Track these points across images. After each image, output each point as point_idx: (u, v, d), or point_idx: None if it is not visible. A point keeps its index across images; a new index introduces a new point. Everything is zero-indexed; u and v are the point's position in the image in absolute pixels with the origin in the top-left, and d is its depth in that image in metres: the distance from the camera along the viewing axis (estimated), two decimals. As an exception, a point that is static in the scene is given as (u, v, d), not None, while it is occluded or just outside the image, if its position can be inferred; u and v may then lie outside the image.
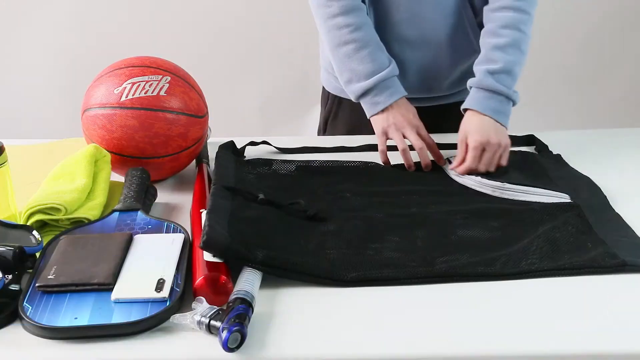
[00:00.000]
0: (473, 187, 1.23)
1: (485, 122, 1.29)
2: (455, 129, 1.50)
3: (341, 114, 1.59)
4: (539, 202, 1.16)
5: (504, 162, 1.27)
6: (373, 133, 1.36)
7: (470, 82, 1.34)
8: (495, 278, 0.95)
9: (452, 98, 1.54)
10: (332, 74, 1.54)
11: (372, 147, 1.38)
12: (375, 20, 1.41)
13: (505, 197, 1.19)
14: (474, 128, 1.28)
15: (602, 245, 1.02)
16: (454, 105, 1.54)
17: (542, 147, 1.39)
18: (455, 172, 1.27)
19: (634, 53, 2.80)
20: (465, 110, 1.33)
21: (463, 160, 1.27)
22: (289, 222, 1.08)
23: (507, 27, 1.32)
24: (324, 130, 1.65)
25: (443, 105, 1.55)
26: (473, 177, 1.24)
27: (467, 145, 1.27)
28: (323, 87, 1.65)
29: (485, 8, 1.38)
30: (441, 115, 1.53)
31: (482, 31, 1.37)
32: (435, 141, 1.35)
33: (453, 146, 1.40)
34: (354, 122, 1.50)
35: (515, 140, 1.44)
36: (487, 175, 1.24)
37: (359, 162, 1.33)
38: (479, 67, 1.33)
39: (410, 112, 1.35)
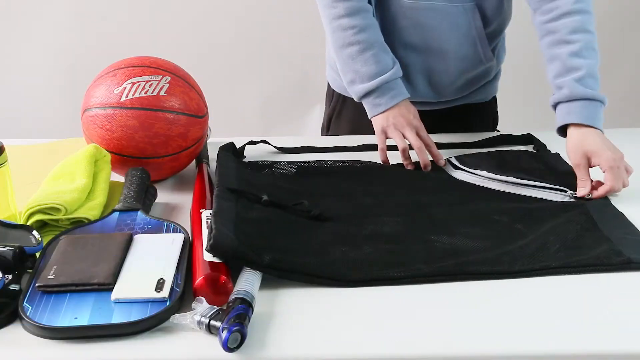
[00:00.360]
0: (476, 183, 1.23)
1: (597, 136, 1.22)
2: (458, 129, 1.50)
3: (345, 112, 1.59)
4: (542, 199, 1.16)
5: (630, 169, 1.21)
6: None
7: (558, 97, 1.26)
8: (499, 276, 0.95)
9: (456, 102, 1.54)
10: (337, 72, 1.54)
11: (372, 147, 1.38)
12: (381, 24, 1.41)
13: (509, 191, 1.19)
14: (595, 146, 1.20)
15: (607, 242, 1.02)
16: (459, 107, 1.54)
17: (540, 146, 1.39)
18: (463, 172, 1.27)
19: (634, 53, 2.80)
20: (564, 128, 1.26)
21: (591, 185, 1.19)
22: (294, 223, 1.08)
23: (576, 31, 1.26)
24: (327, 128, 1.65)
25: (446, 110, 1.54)
26: (477, 171, 1.25)
27: (584, 165, 1.20)
28: (328, 84, 1.65)
29: (539, 20, 1.31)
30: (445, 117, 1.53)
31: (546, 42, 1.30)
32: (438, 141, 1.35)
33: (455, 146, 1.40)
34: (358, 121, 1.50)
35: (514, 139, 1.44)
36: (489, 170, 1.24)
37: (361, 161, 1.33)
38: (562, 80, 1.25)
39: (410, 112, 1.34)
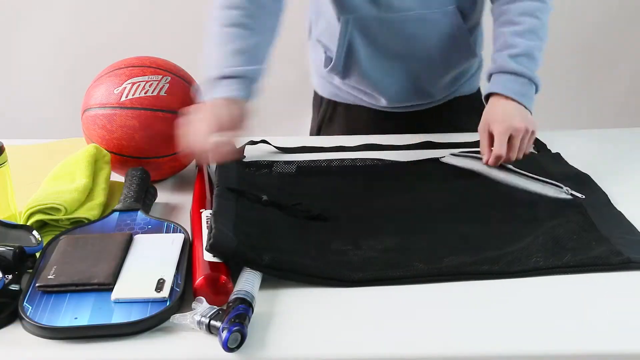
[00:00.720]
0: (478, 170, 1.24)
1: (508, 108, 1.26)
2: (447, 124, 1.52)
3: (337, 118, 1.59)
4: (540, 195, 1.17)
5: (529, 148, 1.25)
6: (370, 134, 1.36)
7: (489, 69, 1.32)
8: (499, 276, 0.95)
9: (444, 100, 1.55)
10: (326, 79, 1.54)
11: (371, 147, 1.38)
12: (364, 38, 1.40)
13: (509, 180, 1.20)
14: (497, 116, 1.25)
15: (606, 242, 1.02)
16: (447, 103, 1.55)
17: (541, 146, 1.39)
18: (464, 157, 1.28)
19: (634, 53, 2.80)
20: (488, 98, 1.31)
21: (490, 151, 1.24)
22: (293, 223, 1.08)
23: (524, 14, 1.30)
24: (317, 134, 1.65)
25: (435, 107, 1.55)
26: (476, 163, 1.25)
27: (490, 135, 1.25)
28: (315, 92, 1.64)
29: (496, 4, 1.36)
30: (435, 117, 1.55)
31: (498, 23, 1.35)
32: (440, 140, 1.36)
33: (454, 145, 1.40)
34: (351, 125, 1.51)
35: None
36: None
37: (361, 160, 1.32)
38: (498, 54, 1.31)
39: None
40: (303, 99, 2.73)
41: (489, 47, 1.56)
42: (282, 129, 1.80)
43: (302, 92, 2.74)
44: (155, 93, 1.20)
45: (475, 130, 1.30)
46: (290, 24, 2.67)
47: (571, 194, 1.16)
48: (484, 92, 1.32)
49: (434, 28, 1.40)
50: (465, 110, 1.58)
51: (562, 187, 1.18)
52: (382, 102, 1.52)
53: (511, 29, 1.30)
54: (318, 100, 1.63)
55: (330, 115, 1.60)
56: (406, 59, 1.44)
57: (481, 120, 1.28)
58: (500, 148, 1.21)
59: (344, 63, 1.44)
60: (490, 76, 1.32)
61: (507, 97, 1.27)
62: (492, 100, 1.29)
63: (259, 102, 1.28)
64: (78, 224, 1.06)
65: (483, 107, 1.62)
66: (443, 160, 1.32)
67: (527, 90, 1.28)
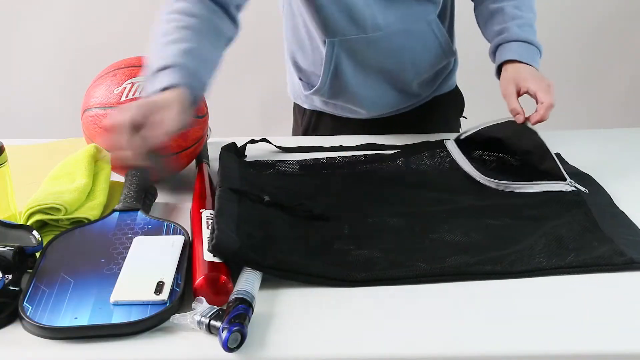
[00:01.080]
0: (478, 179, 1.23)
1: (531, 70, 1.32)
2: (430, 123, 1.54)
3: (322, 127, 1.58)
4: (543, 192, 1.17)
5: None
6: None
7: (498, 40, 1.37)
8: (502, 276, 0.95)
9: (428, 98, 1.56)
10: (307, 96, 1.53)
11: (372, 147, 1.38)
12: (352, 56, 1.40)
13: (510, 190, 1.19)
14: (528, 76, 1.30)
15: (609, 242, 1.01)
16: (428, 105, 1.57)
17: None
18: (466, 162, 1.28)
19: (634, 53, 2.80)
20: (500, 67, 1.35)
21: (518, 112, 1.28)
22: (296, 223, 1.08)
23: None
24: None
25: (420, 106, 1.56)
26: (477, 173, 1.25)
27: (512, 93, 1.29)
28: (297, 105, 1.64)
29: None
30: (422, 115, 1.56)
31: (489, 1, 1.41)
32: (431, 140, 1.37)
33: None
34: (337, 134, 1.50)
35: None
36: (489, 174, 1.24)
37: (363, 156, 1.32)
38: (506, 25, 1.36)
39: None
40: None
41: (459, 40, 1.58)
42: (282, 129, 1.80)
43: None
44: (155, 93, 1.19)
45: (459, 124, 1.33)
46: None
47: (574, 186, 1.17)
48: (496, 62, 1.37)
49: (419, 39, 1.41)
50: (450, 104, 1.61)
51: (566, 179, 1.18)
52: (369, 114, 1.53)
53: (511, 3, 1.39)
54: (301, 111, 1.63)
55: (314, 125, 1.59)
56: (394, 72, 1.45)
57: (505, 85, 1.31)
58: (550, 97, 1.26)
59: (330, 85, 1.44)
60: (497, 47, 1.37)
61: (522, 63, 1.33)
62: (509, 66, 1.34)
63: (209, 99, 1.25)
64: (78, 224, 1.05)
65: (463, 101, 1.64)
66: (447, 144, 1.35)
67: (536, 56, 1.36)
